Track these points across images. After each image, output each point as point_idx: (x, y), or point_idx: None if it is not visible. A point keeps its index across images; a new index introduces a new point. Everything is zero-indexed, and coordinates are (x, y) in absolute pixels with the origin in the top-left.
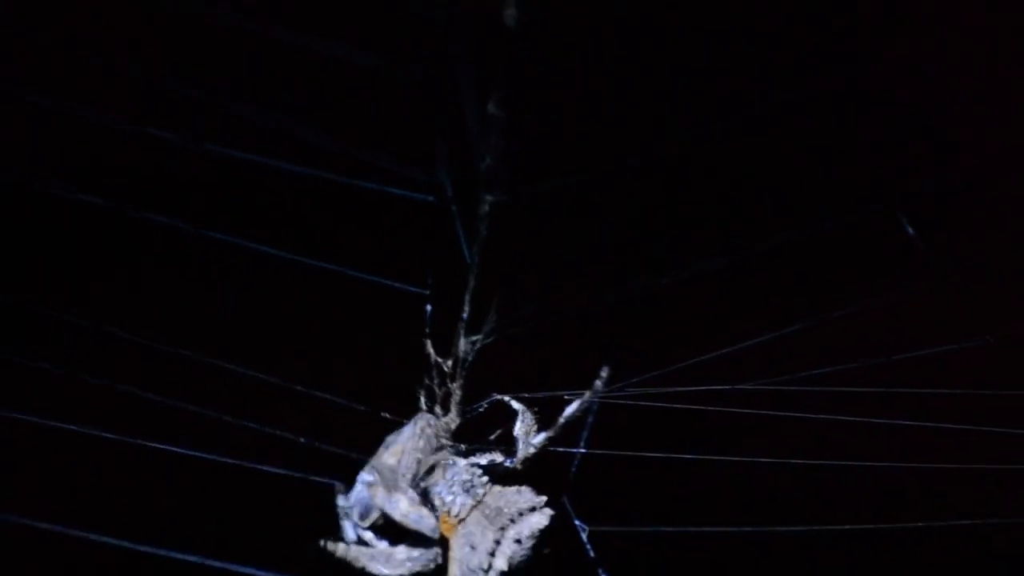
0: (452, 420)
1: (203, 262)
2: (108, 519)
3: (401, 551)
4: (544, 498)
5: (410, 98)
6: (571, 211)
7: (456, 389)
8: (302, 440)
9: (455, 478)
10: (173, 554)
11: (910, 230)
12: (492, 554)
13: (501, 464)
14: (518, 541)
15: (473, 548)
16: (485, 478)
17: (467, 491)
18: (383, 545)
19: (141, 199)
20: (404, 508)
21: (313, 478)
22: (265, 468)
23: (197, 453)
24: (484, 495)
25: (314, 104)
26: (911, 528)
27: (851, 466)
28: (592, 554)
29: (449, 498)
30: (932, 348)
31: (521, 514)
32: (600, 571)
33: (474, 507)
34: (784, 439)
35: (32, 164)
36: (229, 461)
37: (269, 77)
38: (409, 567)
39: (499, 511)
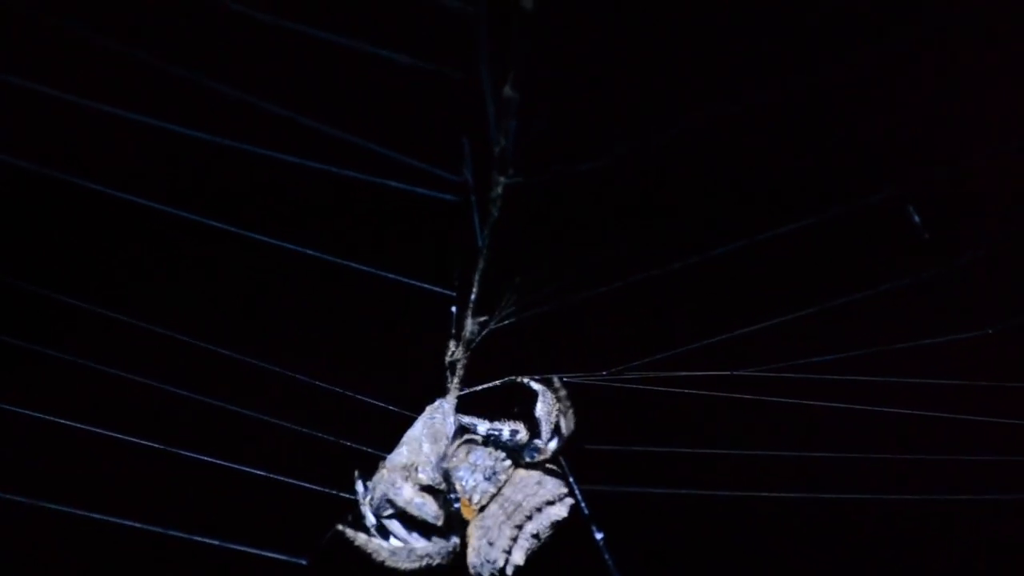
0: (456, 389)
1: (219, 258)
2: (136, 509)
3: (420, 545)
4: (565, 490)
5: (430, 87)
6: (585, 195)
7: (460, 360)
8: (341, 441)
9: (478, 463)
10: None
11: (916, 218)
12: (509, 551)
13: (523, 444)
14: (536, 536)
15: (491, 544)
16: (508, 462)
17: (488, 478)
18: (402, 534)
19: (164, 196)
20: (407, 495)
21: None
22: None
23: (204, 457)
24: (505, 482)
25: (331, 100)
26: (900, 501)
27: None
28: (586, 511)
29: (471, 484)
30: (934, 338)
31: (540, 509)
32: (593, 528)
33: (494, 496)
34: (781, 425)
35: (66, 160)
36: (246, 470)
37: (290, 75)
38: (427, 561)
39: (518, 506)
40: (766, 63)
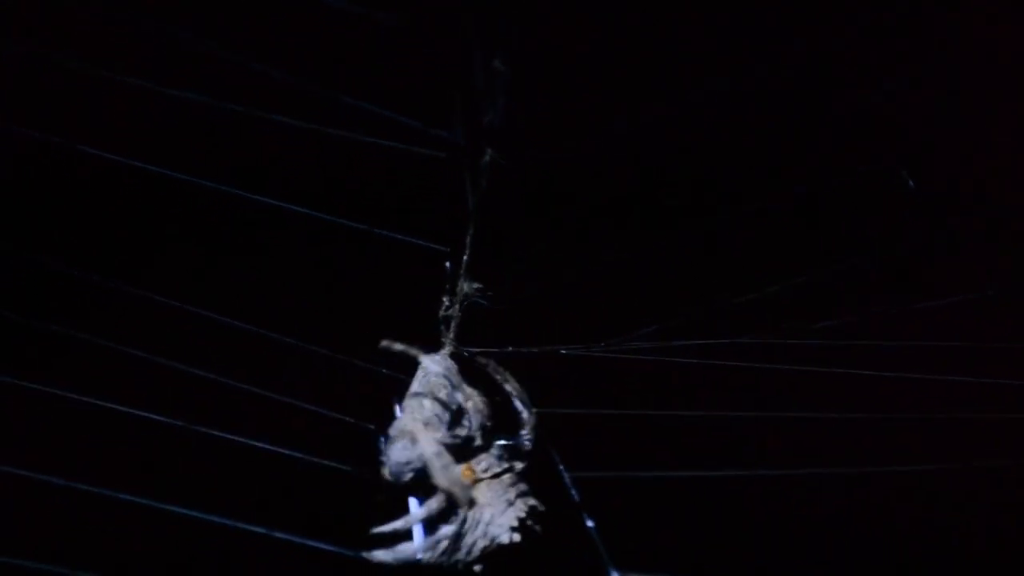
0: (451, 344)
1: (208, 219)
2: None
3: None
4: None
5: (425, 55)
6: (575, 170)
7: (455, 316)
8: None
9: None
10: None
11: (911, 183)
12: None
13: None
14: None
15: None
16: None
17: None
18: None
19: (158, 160)
20: (426, 448)
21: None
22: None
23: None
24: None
25: (328, 59)
26: (906, 473)
27: (837, 419)
28: (577, 498)
29: (482, 463)
30: (935, 300)
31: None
32: (584, 515)
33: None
34: (773, 395)
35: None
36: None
37: (279, 33)
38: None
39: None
40: (761, 40)
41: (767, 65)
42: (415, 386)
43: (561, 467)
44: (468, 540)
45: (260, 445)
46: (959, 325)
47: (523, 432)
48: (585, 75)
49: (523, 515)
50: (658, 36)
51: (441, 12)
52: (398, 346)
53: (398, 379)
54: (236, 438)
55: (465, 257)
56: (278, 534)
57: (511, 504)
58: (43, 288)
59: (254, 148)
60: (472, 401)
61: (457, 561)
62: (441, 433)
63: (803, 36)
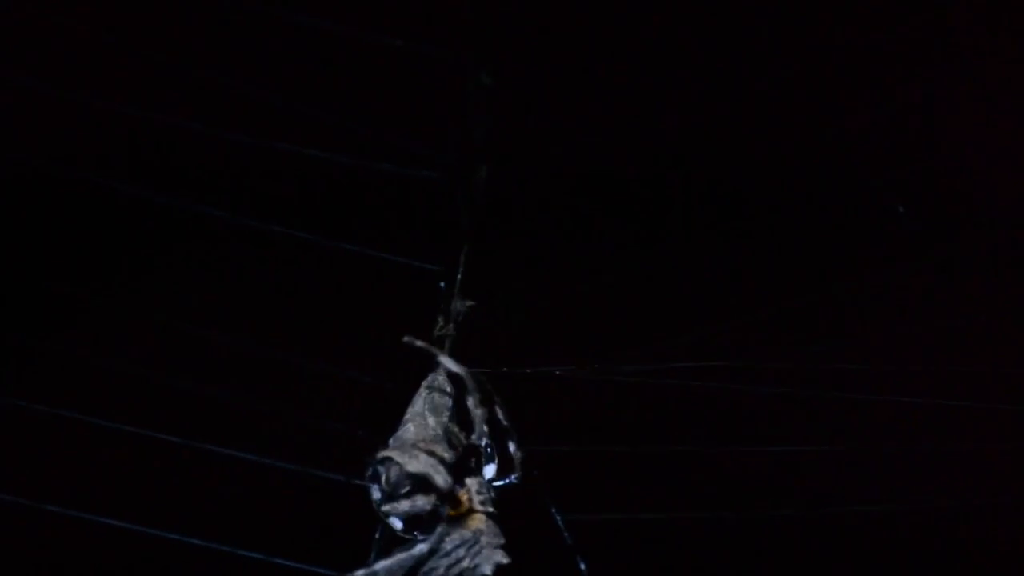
0: (447, 363)
1: (203, 243)
2: (130, 506)
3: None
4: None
5: (416, 75)
6: (569, 186)
7: (450, 335)
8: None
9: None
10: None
11: (900, 208)
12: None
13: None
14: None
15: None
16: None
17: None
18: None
19: (141, 181)
20: (424, 461)
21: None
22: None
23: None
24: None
25: (318, 83)
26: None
27: (835, 454)
28: (569, 541)
29: (481, 495)
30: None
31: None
32: (578, 558)
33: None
34: (768, 424)
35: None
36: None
37: (270, 57)
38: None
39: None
40: (749, 59)
41: (760, 79)
42: (418, 403)
43: (554, 510)
44: (452, 559)
45: (262, 460)
46: (957, 346)
47: (512, 473)
48: (584, 93)
49: (505, 562)
50: (650, 55)
51: (429, 32)
52: (420, 343)
53: (400, 394)
54: (242, 453)
55: (459, 276)
56: (249, 553)
57: (500, 547)
58: (25, 303)
59: (247, 171)
60: (476, 422)
61: None
62: (442, 448)
63: (790, 54)
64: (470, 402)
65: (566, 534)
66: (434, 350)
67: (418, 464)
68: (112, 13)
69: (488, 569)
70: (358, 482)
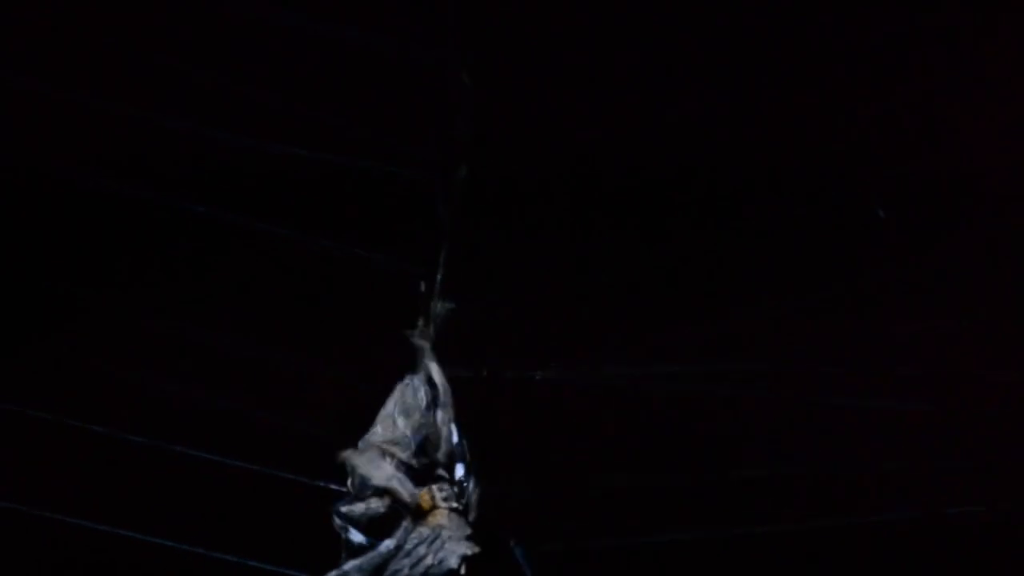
0: (425, 364)
1: (184, 239)
2: (116, 510)
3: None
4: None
5: (397, 76)
6: (549, 184)
7: (429, 336)
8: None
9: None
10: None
11: (881, 213)
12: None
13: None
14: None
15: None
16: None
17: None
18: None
19: (132, 181)
20: (388, 472)
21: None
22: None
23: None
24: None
25: (299, 83)
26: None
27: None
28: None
29: (444, 491)
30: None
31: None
32: None
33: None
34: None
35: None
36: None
37: (255, 57)
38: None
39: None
40: (735, 61)
41: (746, 80)
42: (390, 405)
43: (512, 543)
44: (414, 558)
45: (225, 460)
46: (943, 350)
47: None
48: (563, 92)
49: (470, 553)
50: (636, 54)
51: (411, 34)
52: (417, 339)
53: (373, 396)
54: (213, 456)
55: (439, 276)
56: (223, 555)
57: (465, 539)
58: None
59: (227, 168)
60: (444, 427)
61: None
62: (408, 454)
63: (774, 59)
64: (439, 417)
65: (526, 566)
66: (425, 354)
67: (381, 476)
68: (112, 13)
69: (454, 561)
70: (321, 484)
